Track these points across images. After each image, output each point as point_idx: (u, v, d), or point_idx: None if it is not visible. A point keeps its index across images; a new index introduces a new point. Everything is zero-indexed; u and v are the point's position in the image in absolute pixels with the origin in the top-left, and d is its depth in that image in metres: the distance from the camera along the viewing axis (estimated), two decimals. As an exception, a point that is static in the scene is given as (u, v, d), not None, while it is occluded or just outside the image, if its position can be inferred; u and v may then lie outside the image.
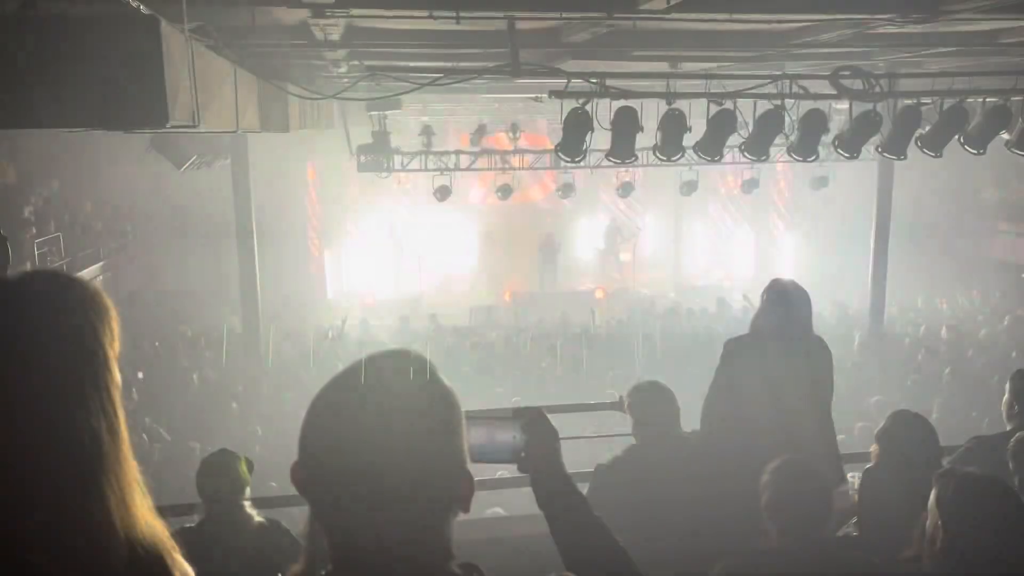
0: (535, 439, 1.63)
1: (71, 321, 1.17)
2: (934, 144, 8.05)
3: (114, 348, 1.20)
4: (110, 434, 1.16)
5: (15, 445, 1.08)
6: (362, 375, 1.15)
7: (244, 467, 3.52)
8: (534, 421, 1.65)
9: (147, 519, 1.20)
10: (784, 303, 3.65)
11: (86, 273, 13.83)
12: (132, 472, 1.19)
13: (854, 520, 3.49)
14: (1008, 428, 3.57)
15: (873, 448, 3.39)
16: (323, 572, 1.15)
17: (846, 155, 8.46)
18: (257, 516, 3.51)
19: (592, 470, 3.55)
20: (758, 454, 2.86)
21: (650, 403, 3.52)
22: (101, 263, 15.33)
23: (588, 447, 5.29)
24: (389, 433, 1.09)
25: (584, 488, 2.70)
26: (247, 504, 3.51)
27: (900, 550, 2.46)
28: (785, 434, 3.35)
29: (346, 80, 8.05)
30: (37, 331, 1.13)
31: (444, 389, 1.17)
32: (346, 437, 1.10)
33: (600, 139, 7.45)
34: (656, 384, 3.61)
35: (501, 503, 5.20)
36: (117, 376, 1.20)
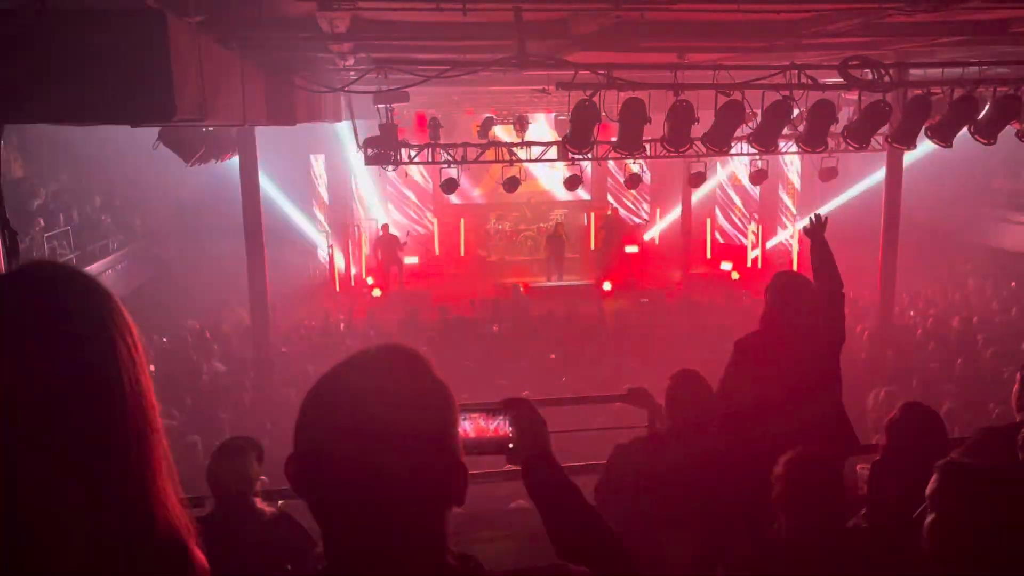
0: (522, 429, 1.63)
1: (96, 313, 1.17)
2: (944, 134, 8.01)
3: (134, 334, 1.21)
4: (146, 421, 1.17)
5: (59, 433, 1.08)
6: (355, 371, 1.16)
7: (254, 458, 3.53)
8: (521, 411, 1.64)
9: (176, 507, 1.21)
10: (788, 296, 3.67)
11: (95, 267, 13.91)
12: (167, 458, 1.21)
13: (863, 512, 3.48)
14: (1018, 419, 3.54)
15: (881, 440, 3.38)
16: (319, 568, 1.15)
17: (855, 145, 8.43)
18: (268, 507, 3.52)
19: (598, 463, 3.54)
20: (771, 445, 2.87)
21: (687, 391, 3.50)
22: (110, 256, 15.40)
23: (600, 439, 5.27)
24: (382, 428, 1.09)
25: (583, 479, 2.69)
26: (257, 496, 3.53)
27: (909, 542, 2.45)
28: (797, 424, 3.35)
29: (353, 73, 8.03)
30: (63, 322, 1.13)
31: (437, 384, 1.17)
32: (340, 432, 1.10)
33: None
34: (695, 374, 3.58)
35: (523, 494, 5.15)
36: (145, 362, 1.21)
